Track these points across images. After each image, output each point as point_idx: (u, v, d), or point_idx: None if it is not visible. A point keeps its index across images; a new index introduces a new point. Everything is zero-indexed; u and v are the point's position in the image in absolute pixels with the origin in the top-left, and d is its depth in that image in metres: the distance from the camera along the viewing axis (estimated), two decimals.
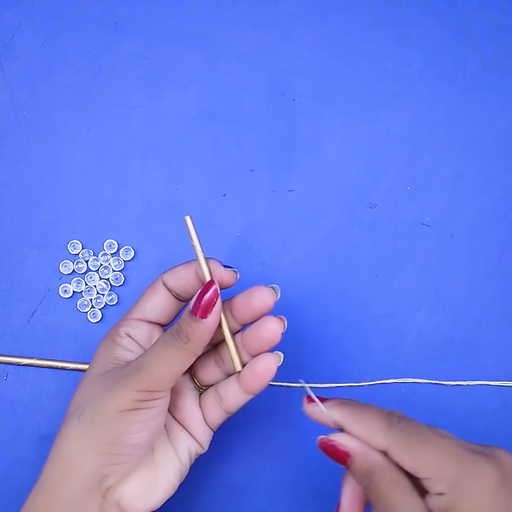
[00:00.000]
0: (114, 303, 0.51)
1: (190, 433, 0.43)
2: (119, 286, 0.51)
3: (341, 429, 0.39)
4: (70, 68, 0.53)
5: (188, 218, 0.42)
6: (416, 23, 0.54)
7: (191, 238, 0.42)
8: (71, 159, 0.52)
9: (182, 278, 0.43)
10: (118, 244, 0.51)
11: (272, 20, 0.54)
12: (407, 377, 0.51)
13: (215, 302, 0.40)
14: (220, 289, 0.41)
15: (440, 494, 0.37)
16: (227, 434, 0.49)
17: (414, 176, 0.53)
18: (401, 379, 0.51)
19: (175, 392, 0.43)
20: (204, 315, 0.40)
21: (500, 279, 0.52)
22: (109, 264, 0.51)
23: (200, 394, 0.45)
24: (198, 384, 0.45)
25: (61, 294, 0.51)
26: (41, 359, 0.50)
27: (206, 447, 0.44)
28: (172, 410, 0.44)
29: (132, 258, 0.52)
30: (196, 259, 0.42)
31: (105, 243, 0.51)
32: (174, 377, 0.40)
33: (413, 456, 0.37)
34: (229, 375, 0.44)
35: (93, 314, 0.51)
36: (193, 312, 0.40)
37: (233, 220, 0.52)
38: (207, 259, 0.43)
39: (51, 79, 0.53)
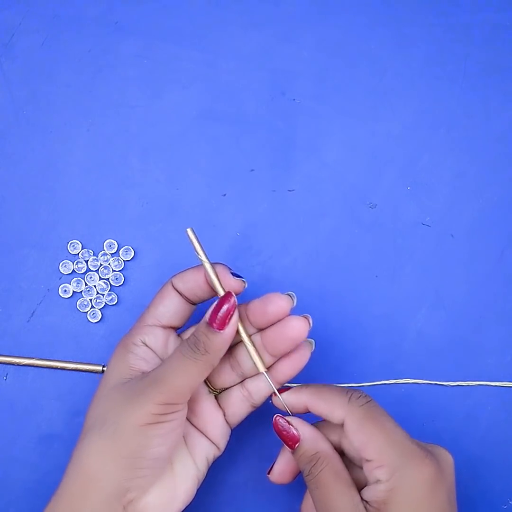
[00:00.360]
0: (114, 303, 0.51)
1: (208, 438, 0.44)
2: (119, 286, 0.51)
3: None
4: (70, 68, 0.53)
5: (189, 231, 0.42)
6: (416, 23, 0.54)
7: (195, 250, 0.42)
8: (71, 159, 0.52)
9: (191, 281, 0.43)
10: (118, 244, 0.51)
11: (272, 20, 0.54)
12: (407, 377, 0.51)
13: (232, 314, 0.41)
14: None
15: (378, 482, 0.38)
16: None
17: (414, 176, 0.53)
18: (401, 380, 0.51)
19: (191, 399, 0.43)
20: (221, 327, 0.40)
21: (500, 279, 0.52)
22: (109, 264, 0.51)
23: (216, 396, 0.45)
24: (212, 387, 0.45)
25: (61, 294, 0.51)
26: (41, 359, 0.50)
27: (223, 449, 0.44)
28: (190, 417, 0.44)
29: (132, 258, 0.52)
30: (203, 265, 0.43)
31: (105, 243, 0.51)
32: (193, 388, 0.40)
33: (365, 432, 0.39)
34: (245, 377, 0.45)
35: (93, 314, 0.51)
36: (210, 323, 0.40)
37: (233, 220, 0.52)
38: (214, 265, 0.43)
39: (51, 79, 0.53)
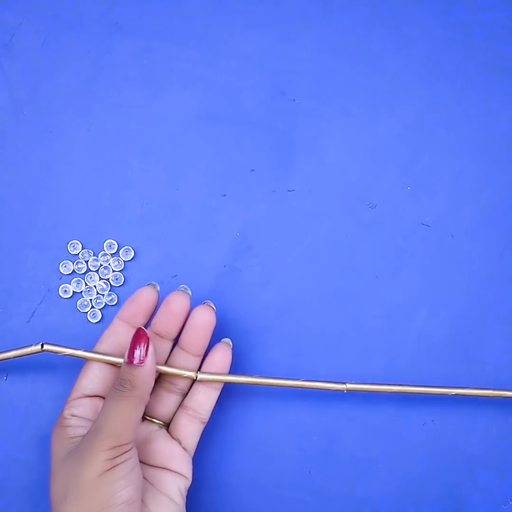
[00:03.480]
0: (114, 303, 0.51)
1: (173, 471, 0.44)
2: (119, 286, 0.51)
3: None
4: (70, 68, 0.53)
5: None
6: (416, 23, 0.54)
7: None
8: (71, 159, 0.52)
9: (97, 378, 0.45)
10: (118, 244, 0.51)
11: (272, 20, 0.54)
12: (407, 376, 0.51)
13: (147, 346, 0.42)
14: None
15: None
16: (226, 434, 0.49)
17: (414, 176, 0.53)
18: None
19: (145, 441, 0.45)
20: (142, 362, 0.42)
21: (500, 280, 0.52)
22: (109, 264, 0.51)
23: (167, 429, 0.46)
24: (161, 421, 0.46)
25: (61, 294, 0.51)
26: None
27: (191, 478, 0.45)
28: (149, 459, 0.45)
29: (132, 258, 0.52)
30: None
31: (105, 243, 0.51)
32: (133, 426, 0.41)
33: None
34: (184, 392, 0.46)
35: (93, 314, 0.51)
36: (130, 361, 0.42)
37: (233, 220, 0.52)
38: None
39: (51, 79, 0.53)
